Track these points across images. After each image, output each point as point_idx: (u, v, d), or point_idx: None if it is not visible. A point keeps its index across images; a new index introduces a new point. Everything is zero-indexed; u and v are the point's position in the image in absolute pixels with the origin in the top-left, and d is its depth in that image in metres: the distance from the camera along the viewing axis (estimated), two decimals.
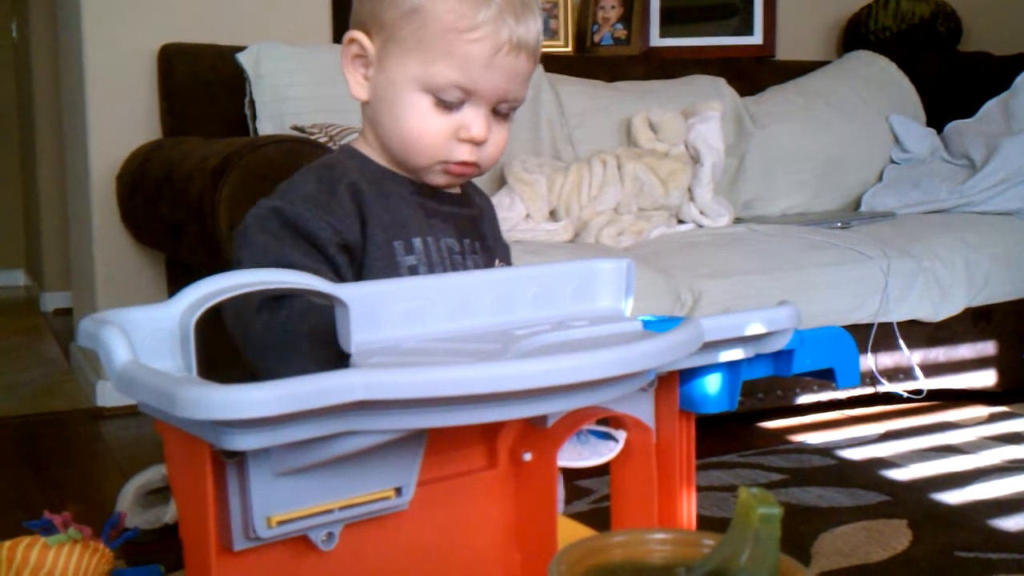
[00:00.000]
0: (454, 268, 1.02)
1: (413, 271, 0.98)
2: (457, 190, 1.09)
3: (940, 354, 2.46)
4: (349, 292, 0.70)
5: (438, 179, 1.03)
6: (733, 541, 0.55)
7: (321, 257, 0.95)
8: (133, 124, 2.58)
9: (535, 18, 1.00)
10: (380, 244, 0.98)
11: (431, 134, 0.99)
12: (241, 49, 2.41)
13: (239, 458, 0.60)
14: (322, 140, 2.11)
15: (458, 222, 1.06)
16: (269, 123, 2.35)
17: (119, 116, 2.60)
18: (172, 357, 0.65)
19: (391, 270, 0.98)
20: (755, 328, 0.76)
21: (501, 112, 1.02)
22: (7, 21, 5.22)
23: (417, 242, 1.00)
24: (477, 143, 1.00)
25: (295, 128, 2.25)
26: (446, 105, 0.98)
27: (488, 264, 1.07)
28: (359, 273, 0.98)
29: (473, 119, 0.99)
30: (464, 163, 1.01)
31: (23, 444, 2.45)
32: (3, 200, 5.40)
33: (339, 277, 0.95)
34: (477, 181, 1.16)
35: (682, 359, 0.71)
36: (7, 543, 0.99)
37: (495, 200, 1.85)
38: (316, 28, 2.80)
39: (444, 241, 1.03)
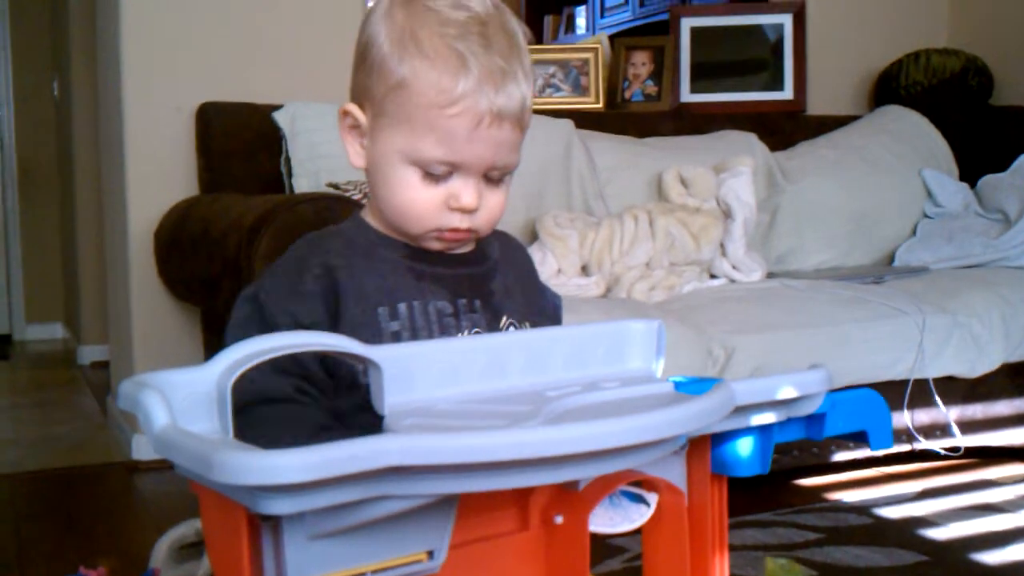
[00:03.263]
0: (444, 331, 1.00)
1: (396, 337, 0.98)
2: (464, 248, 1.07)
3: (977, 411, 2.43)
4: (382, 354, 0.70)
5: (434, 245, 1.03)
6: None
7: None
8: (171, 181, 2.63)
9: (517, 84, 0.98)
10: (356, 316, 0.98)
11: (421, 205, 0.99)
12: (277, 107, 2.45)
13: (274, 521, 0.61)
14: (356, 197, 2.14)
15: (452, 282, 1.04)
16: (305, 180, 2.38)
17: (157, 173, 2.65)
18: (209, 419, 0.66)
19: (375, 339, 0.96)
20: (786, 392, 0.75)
21: (492, 178, 1.01)
22: (49, 78, 5.33)
23: (402, 307, 0.99)
24: (468, 212, 1.00)
25: (330, 185, 2.28)
26: (434, 177, 0.98)
27: (492, 322, 1.04)
28: None
29: (462, 189, 0.99)
30: (456, 230, 1.01)
31: (59, 497, 2.47)
32: (43, 254, 5.49)
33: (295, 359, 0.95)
34: (515, 234, 1.15)
35: (714, 423, 0.71)
36: None
37: None
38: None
39: (433, 304, 1.01)
